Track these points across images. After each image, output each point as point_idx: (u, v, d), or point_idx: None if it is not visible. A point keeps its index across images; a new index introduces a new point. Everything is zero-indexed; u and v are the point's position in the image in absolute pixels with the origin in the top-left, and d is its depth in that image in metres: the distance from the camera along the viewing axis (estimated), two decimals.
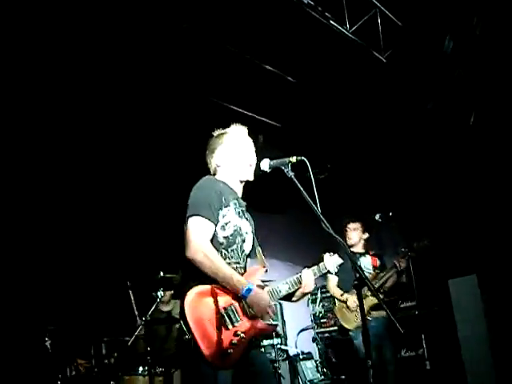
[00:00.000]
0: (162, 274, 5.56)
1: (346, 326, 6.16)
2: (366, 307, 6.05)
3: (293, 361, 7.77)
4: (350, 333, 6.15)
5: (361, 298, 2.92)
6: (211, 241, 3.06)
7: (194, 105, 6.61)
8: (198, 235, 2.98)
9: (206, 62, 6.07)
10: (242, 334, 2.94)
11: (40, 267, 6.56)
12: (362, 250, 6.44)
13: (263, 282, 3.31)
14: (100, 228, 7.19)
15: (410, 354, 6.79)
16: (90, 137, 6.64)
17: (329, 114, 7.46)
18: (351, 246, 6.34)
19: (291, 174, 3.05)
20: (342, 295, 6.23)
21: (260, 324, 3.07)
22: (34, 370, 6.01)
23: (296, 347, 8.20)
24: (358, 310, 6.02)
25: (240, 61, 6.08)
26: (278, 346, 7.39)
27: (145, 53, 5.80)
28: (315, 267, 3.40)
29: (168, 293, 6.25)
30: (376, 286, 6.05)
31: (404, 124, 7.65)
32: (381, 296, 6.06)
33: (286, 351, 7.79)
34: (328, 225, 2.84)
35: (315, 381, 8.14)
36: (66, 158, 6.71)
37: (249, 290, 2.92)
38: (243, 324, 2.98)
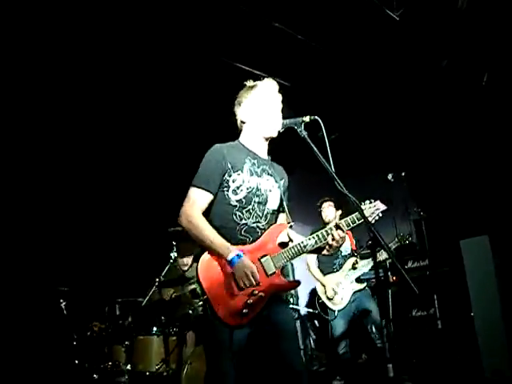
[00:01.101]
0: (172, 228, 5.58)
1: (328, 304, 6.24)
2: (353, 278, 6.15)
3: (304, 320, 7.86)
4: (329, 310, 6.26)
5: (375, 258, 2.92)
6: (223, 206, 3.12)
7: (203, 63, 6.54)
8: (187, 204, 3.08)
9: (214, 19, 5.99)
10: (261, 293, 2.95)
11: (55, 230, 6.63)
12: None
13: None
14: (115, 192, 7.26)
15: (421, 313, 6.81)
16: (102, 110, 6.69)
17: (340, 72, 7.36)
18: (329, 222, 6.35)
19: (304, 133, 3.02)
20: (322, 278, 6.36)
21: (280, 280, 3.07)
22: (49, 330, 6.12)
23: (307, 306, 8.28)
24: (337, 295, 6.13)
25: (249, 18, 5.98)
26: (290, 305, 7.48)
27: (152, 11, 5.73)
28: (348, 218, 3.15)
29: (188, 258, 6.25)
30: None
31: (417, 83, 7.54)
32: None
33: (298, 311, 7.87)
34: (342, 184, 2.82)
35: None
36: (83, 132, 6.77)
37: (234, 261, 2.90)
38: (261, 283, 2.97)
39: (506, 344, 5.80)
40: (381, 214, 3.27)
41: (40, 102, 6.30)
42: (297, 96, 7.12)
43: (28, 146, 6.55)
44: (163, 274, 5.81)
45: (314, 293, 7.08)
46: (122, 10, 5.55)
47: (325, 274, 6.36)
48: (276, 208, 3.31)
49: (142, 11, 5.66)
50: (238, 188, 3.13)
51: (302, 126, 3.04)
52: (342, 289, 6.17)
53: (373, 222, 3.19)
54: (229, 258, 2.90)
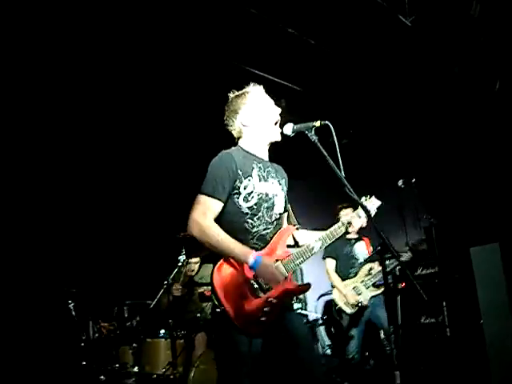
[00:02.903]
0: (182, 234, 5.56)
1: (345, 309, 6.18)
2: (369, 283, 6.13)
3: (312, 326, 7.83)
4: (344, 315, 6.21)
5: (384, 264, 2.91)
6: (234, 214, 3.06)
7: (213, 67, 6.54)
8: (197, 212, 2.98)
9: (227, 24, 5.98)
10: (275, 300, 2.93)
11: (64, 232, 6.66)
12: (356, 236, 6.50)
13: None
14: (125, 194, 7.29)
15: (430, 320, 6.77)
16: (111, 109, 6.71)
17: (352, 78, 7.35)
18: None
19: (315, 138, 3.01)
20: (340, 284, 6.29)
21: (291, 285, 3.05)
22: (57, 332, 6.14)
23: (316, 312, 8.26)
24: (357, 302, 6.10)
25: (262, 23, 5.98)
26: (298, 310, 7.46)
27: (165, 15, 5.73)
28: (349, 215, 3.36)
29: (195, 261, 6.22)
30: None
31: (429, 89, 7.51)
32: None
33: (306, 316, 7.85)
34: (352, 190, 2.82)
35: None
36: (94, 134, 6.81)
37: (256, 263, 2.88)
38: (275, 289, 2.96)
39: None
40: (376, 210, 3.42)
41: (47, 108, 6.32)
42: (308, 101, 7.13)
43: (42, 146, 6.59)
44: (171, 276, 5.81)
45: (326, 299, 7.08)
46: (126, 11, 5.55)
47: (342, 280, 6.32)
48: (282, 211, 3.28)
49: (149, 12, 5.66)
50: (249, 195, 3.08)
51: (313, 130, 3.03)
52: (359, 293, 6.16)
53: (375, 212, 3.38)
54: (250, 262, 2.88)
